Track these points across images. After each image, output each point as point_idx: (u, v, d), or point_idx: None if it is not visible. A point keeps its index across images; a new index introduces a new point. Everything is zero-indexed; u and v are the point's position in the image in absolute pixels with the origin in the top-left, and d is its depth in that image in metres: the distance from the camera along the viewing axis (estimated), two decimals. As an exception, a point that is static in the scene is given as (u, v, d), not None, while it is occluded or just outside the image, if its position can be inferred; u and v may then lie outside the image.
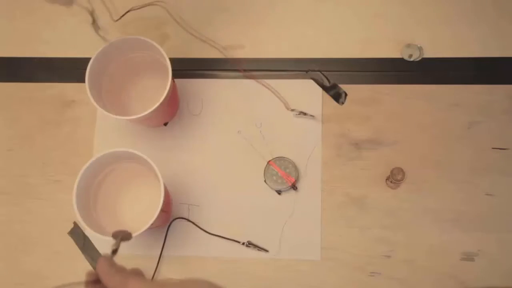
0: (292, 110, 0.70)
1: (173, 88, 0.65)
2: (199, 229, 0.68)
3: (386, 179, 0.67)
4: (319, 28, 0.74)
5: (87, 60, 0.61)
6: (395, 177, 0.64)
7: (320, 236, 0.67)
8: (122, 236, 0.47)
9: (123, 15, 0.65)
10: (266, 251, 0.67)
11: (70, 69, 0.74)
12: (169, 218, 0.68)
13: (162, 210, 0.58)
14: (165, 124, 0.72)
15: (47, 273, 0.68)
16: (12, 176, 0.72)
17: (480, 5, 0.73)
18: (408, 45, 0.72)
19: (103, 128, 0.72)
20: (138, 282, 0.39)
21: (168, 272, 0.67)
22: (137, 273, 0.42)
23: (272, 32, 0.75)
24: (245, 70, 0.73)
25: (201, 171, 0.70)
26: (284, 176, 0.68)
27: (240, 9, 0.76)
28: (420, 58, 0.71)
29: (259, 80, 0.72)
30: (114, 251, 0.44)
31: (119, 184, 0.65)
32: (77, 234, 0.55)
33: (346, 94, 0.71)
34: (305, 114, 0.70)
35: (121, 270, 0.40)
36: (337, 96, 0.71)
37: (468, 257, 0.65)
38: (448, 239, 0.66)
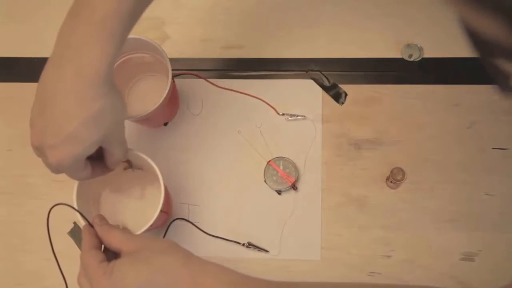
0: (282, 114, 0.70)
1: (173, 88, 0.65)
2: (198, 230, 0.68)
3: (386, 179, 0.67)
4: (319, 28, 0.74)
5: (87, 60, 0.61)
6: (395, 177, 0.64)
7: (320, 236, 0.67)
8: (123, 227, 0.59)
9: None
10: (266, 251, 0.67)
11: (70, 69, 0.74)
12: (169, 219, 0.68)
13: (161, 211, 0.58)
14: (165, 124, 0.72)
15: (47, 273, 0.68)
16: (12, 176, 0.72)
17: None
18: (408, 45, 0.72)
19: (103, 128, 0.72)
20: (119, 232, 0.50)
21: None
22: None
23: (272, 32, 0.75)
24: (245, 70, 0.73)
25: (201, 171, 0.70)
26: (284, 176, 0.68)
27: (240, 9, 0.76)
28: (420, 58, 0.71)
29: (244, 92, 0.72)
30: None
31: (119, 184, 0.65)
32: (77, 234, 0.55)
33: (346, 94, 0.71)
34: (296, 116, 0.70)
35: (109, 224, 0.52)
36: (337, 96, 0.71)
37: (468, 257, 0.65)
38: (448, 239, 0.66)
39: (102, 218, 0.52)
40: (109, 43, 0.46)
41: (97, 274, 0.46)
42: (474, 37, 0.25)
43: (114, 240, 0.49)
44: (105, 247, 0.51)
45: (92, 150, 0.48)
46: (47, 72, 0.47)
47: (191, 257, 0.49)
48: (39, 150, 0.48)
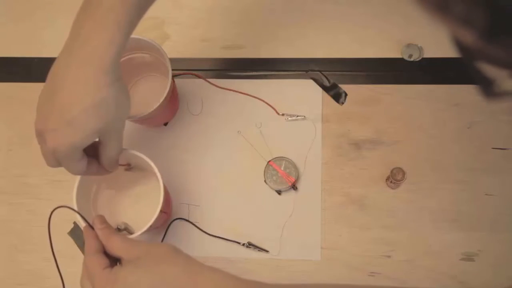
0: (282, 114, 0.70)
1: (173, 88, 0.65)
2: (198, 230, 0.68)
3: (386, 179, 0.67)
4: (319, 28, 0.74)
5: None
6: (395, 177, 0.64)
7: (320, 236, 0.67)
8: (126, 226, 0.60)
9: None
10: (266, 251, 0.67)
11: (70, 69, 0.74)
12: (169, 219, 0.68)
13: (161, 211, 0.58)
14: (165, 124, 0.72)
15: (47, 273, 0.68)
16: (12, 176, 0.72)
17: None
18: (408, 45, 0.72)
19: (103, 128, 0.72)
20: (118, 237, 0.49)
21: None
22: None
23: (272, 32, 0.75)
24: (245, 70, 0.73)
25: (201, 171, 0.70)
26: (284, 176, 0.68)
27: (240, 9, 0.76)
28: (420, 58, 0.71)
29: (244, 92, 0.72)
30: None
31: (119, 184, 0.65)
32: (77, 234, 0.55)
33: (346, 94, 0.71)
34: (296, 116, 0.70)
35: (110, 226, 0.51)
36: (337, 96, 0.71)
37: (468, 257, 0.65)
38: (448, 239, 0.66)
39: (103, 221, 0.51)
40: (115, 32, 0.46)
41: (100, 281, 0.46)
42: (457, 42, 0.26)
43: (114, 248, 0.49)
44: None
45: (90, 139, 0.48)
46: (58, 61, 0.49)
47: (191, 263, 0.48)
48: (41, 135, 0.49)
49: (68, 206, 0.52)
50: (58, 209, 0.51)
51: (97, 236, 0.50)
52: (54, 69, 0.49)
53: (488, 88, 0.27)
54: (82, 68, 0.46)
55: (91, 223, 0.51)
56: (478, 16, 0.22)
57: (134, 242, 0.49)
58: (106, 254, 0.49)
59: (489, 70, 0.26)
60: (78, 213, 0.54)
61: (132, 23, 0.48)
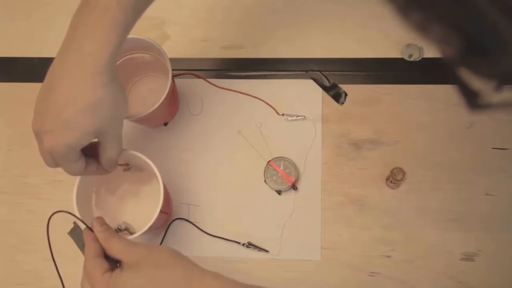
0: (282, 114, 0.70)
1: (173, 88, 0.65)
2: (198, 230, 0.68)
3: (386, 179, 0.67)
4: (319, 28, 0.74)
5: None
6: (395, 177, 0.64)
7: (320, 236, 0.67)
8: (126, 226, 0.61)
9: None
10: (266, 251, 0.67)
11: (70, 69, 0.74)
12: (169, 219, 0.68)
13: (161, 211, 0.58)
14: (165, 124, 0.72)
15: (47, 273, 0.68)
16: (12, 176, 0.72)
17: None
18: (408, 45, 0.72)
19: (103, 128, 0.72)
20: (118, 240, 0.49)
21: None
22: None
23: (272, 32, 0.75)
24: (245, 70, 0.73)
25: (201, 171, 0.70)
26: (284, 176, 0.68)
27: (240, 9, 0.76)
28: (420, 58, 0.71)
29: (244, 92, 0.72)
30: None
31: (119, 184, 0.65)
32: (77, 234, 0.55)
33: (346, 94, 0.71)
34: (296, 116, 0.70)
35: (109, 228, 0.51)
36: (337, 96, 0.71)
37: (468, 257, 0.65)
38: (448, 239, 0.66)
39: (102, 223, 0.51)
40: (111, 32, 0.46)
41: (100, 286, 0.46)
42: (443, 53, 0.28)
43: (113, 251, 0.49)
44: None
45: (86, 140, 0.48)
46: (55, 61, 0.49)
47: (192, 268, 0.47)
48: (38, 135, 0.49)
49: (66, 211, 0.51)
50: (58, 208, 0.51)
51: (96, 239, 0.50)
52: (51, 69, 0.49)
53: (472, 100, 0.28)
54: (77, 68, 0.46)
55: (90, 225, 0.51)
56: (454, 38, 0.24)
57: (134, 244, 0.48)
58: (106, 256, 0.49)
59: (474, 82, 0.27)
60: (77, 217, 0.53)
61: (129, 24, 0.48)
